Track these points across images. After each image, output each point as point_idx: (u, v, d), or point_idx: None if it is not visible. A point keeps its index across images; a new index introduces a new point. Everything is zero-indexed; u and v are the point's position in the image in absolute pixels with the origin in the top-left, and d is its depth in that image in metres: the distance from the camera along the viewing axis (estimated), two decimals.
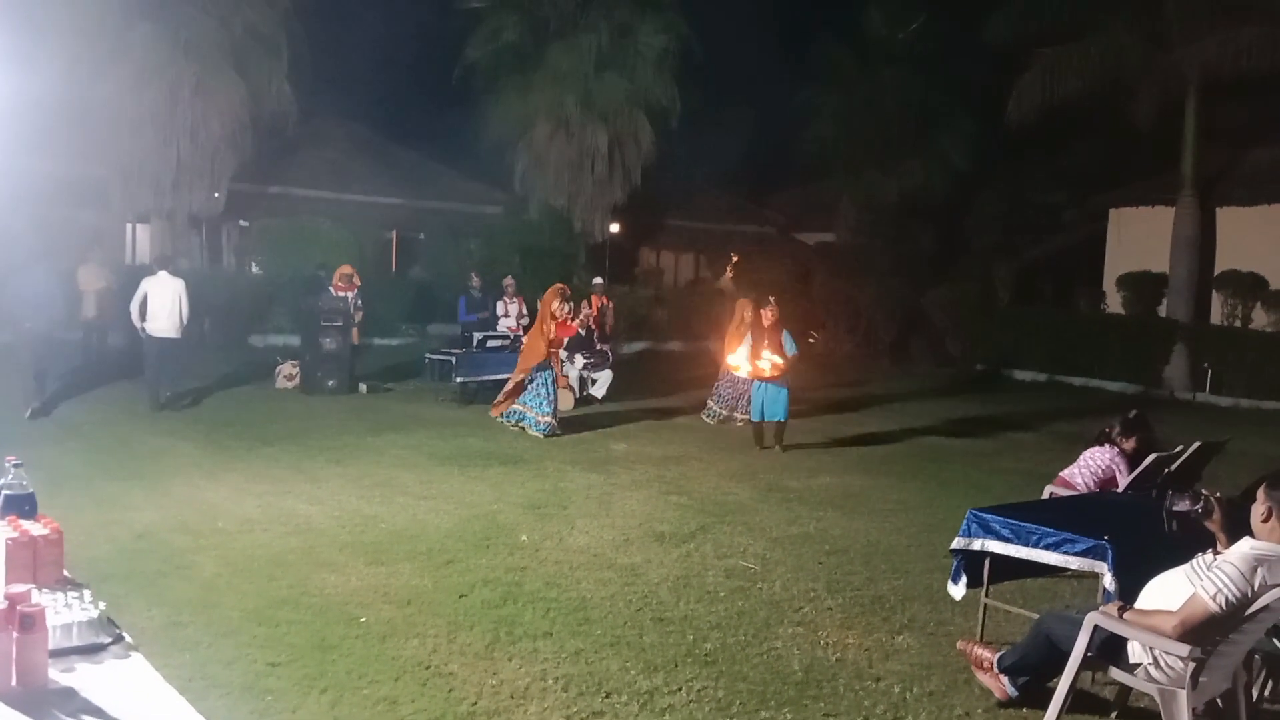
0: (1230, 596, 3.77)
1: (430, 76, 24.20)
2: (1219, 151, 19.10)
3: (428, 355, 14.81)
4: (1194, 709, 3.93)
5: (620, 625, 5.30)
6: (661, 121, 22.49)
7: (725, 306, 18.48)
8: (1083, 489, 6.63)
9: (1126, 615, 4.05)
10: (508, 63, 22.17)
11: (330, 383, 13.16)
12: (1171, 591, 4.02)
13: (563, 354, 13.27)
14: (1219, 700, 4.23)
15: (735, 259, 27.02)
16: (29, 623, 2.20)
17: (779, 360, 11.02)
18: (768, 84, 27.95)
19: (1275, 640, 4.34)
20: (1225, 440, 7.28)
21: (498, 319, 14.81)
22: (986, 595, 5.38)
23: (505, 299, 14.96)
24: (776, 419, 10.94)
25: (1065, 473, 6.91)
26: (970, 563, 5.31)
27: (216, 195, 19.13)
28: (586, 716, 4.24)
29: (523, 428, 10.98)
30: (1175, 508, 4.20)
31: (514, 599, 5.63)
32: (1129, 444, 6.66)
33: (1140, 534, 4.85)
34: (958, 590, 5.35)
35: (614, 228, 23.77)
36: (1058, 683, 4.16)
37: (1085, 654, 4.07)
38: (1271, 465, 5.61)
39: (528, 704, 4.31)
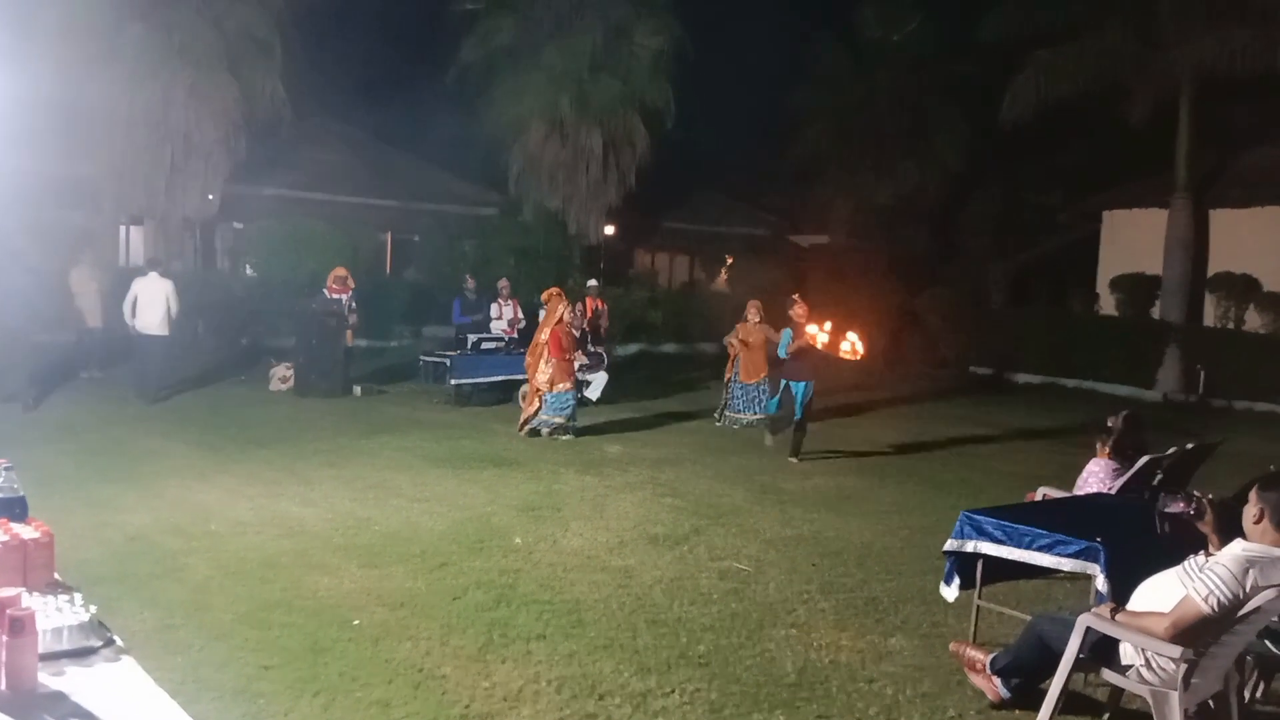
0: (1222, 598, 3.78)
1: (425, 78, 24.14)
2: (1212, 153, 19.15)
3: (422, 357, 14.82)
4: (1186, 710, 3.93)
5: (614, 627, 5.29)
6: (656, 123, 22.47)
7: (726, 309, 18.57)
8: None
9: (1119, 617, 4.06)
10: (502, 64, 22.14)
11: (324, 385, 13.13)
12: (1164, 593, 4.03)
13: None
14: (1211, 702, 4.23)
15: (730, 261, 27.03)
16: (19, 626, 2.20)
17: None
18: (762, 85, 27.91)
19: (1267, 642, 4.35)
20: (1218, 442, 7.30)
21: (492, 321, 14.78)
22: (979, 597, 5.39)
23: (500, 301, 14.94)
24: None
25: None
26: (963, 564, 5.32)
27: (210, 197, 19.08)
28: (580, 719, 4.23)
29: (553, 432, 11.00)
30: (1167, 509, 4.21)
31: (507, 601, 5.62)
32: (1124, 442, 6.67)
33: (1133, 536, 4.86)
34: (951, 592, 5.36)
35: (609, 229, 23.76)
36: (1050, 684, 4.16)
37: (1078, 656, 4.08)
38: (1264, 467, 5.63)
39: (521, 706, 4.31)
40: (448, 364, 13.35)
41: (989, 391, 18.19)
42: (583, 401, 13.37)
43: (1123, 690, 4.27)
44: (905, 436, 12.56)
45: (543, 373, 11.02)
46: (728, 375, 12.56)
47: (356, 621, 5.19)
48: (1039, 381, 19.13)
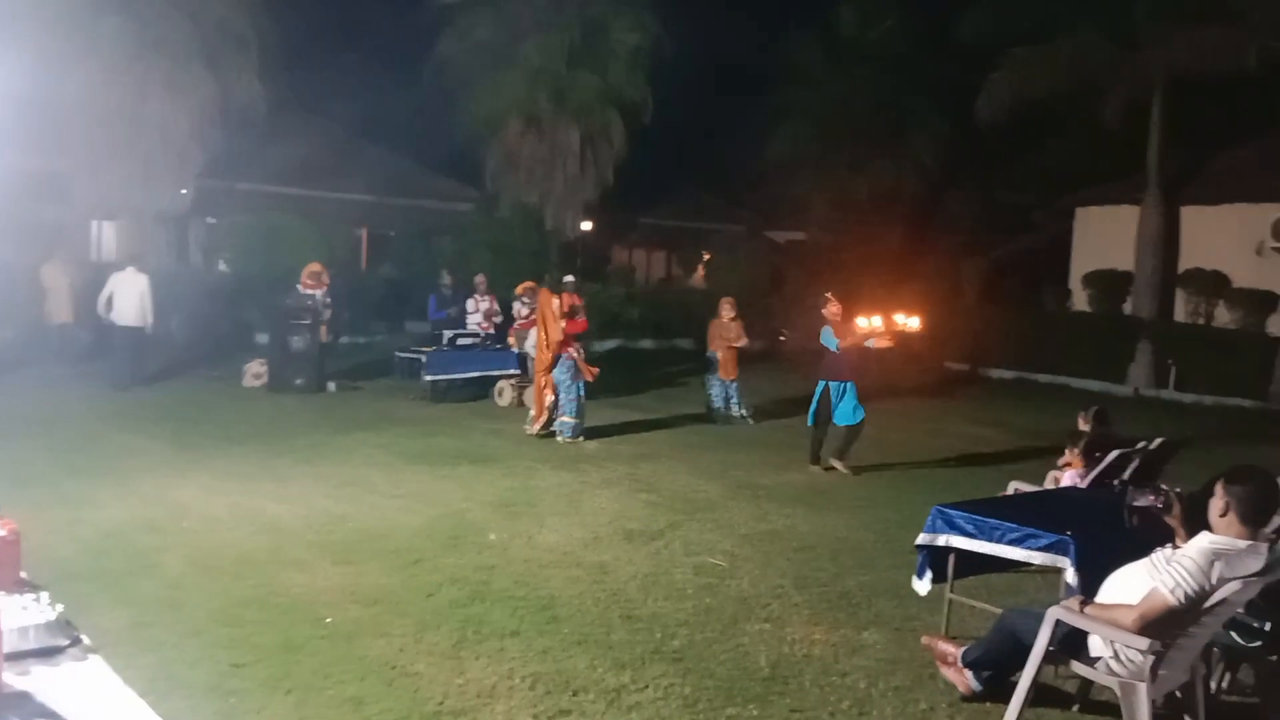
0: (1188, 590, 3.83)
1: (402, 73, 24.03)
2: (1183, 152, 19.35)
3: (397, 353, 14.75)
4: (1154, 701, 3.99)
5: (588, 623, 5.30)
6: (634, 119, 22.48)
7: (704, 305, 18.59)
8: None
9: (1087, 609, 4.11)
10: (480, 59, 22.07)
11: (298, 381, 13.06)
12: (1131, 586, 4.08)
13: (532, 350, 13.25)
14: (1178, 692, 4.29)
15: (707, 257, 27.08)
16: None
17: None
18: (740, 82, 27.98)
19: (1232, 633, 4.41)
20: (1188, 438, 7.39)
21: (468, 316, 14.74)
22: (951, 590, 5.44)
23: (476, 296, 14.89)
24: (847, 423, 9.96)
25: None
26: (935, 558, 5.37)
27: (184, 192, 18.93)
28: (553, 715, 4.24)
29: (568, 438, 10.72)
30: (1136, 503, 4.26)
31: (482, 598, 5.61)
32: (1094, 438, 6.74)
33: (1102, 529, 4.91)
34: (923, 586, 5.40)
35: (586, 225, 23.75)
36: (1020, 677, 4.20)
37: (1047, 648, 4.12)
38: (1231, 461, 5.70)
39: (494, 703, 4.31)
40: (423, 360, 13.30)
41: (963, 387, 18.31)
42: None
43: (1092, 682, 4.32)
44: (879, 432, 12.57)
45: (560, 369, 10.82)
46: (725, 376, 12.69)
47: (329, 619, 5.18)
48: (1012, 377, 19.28)
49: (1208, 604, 3.86)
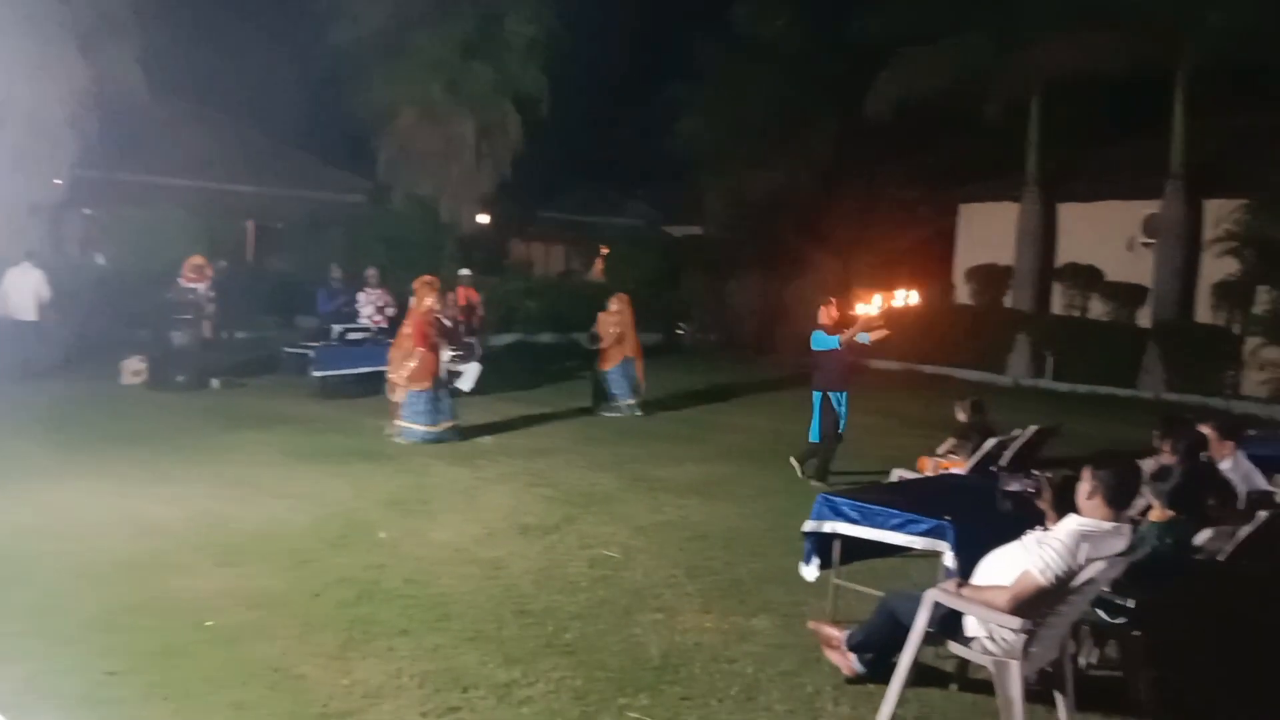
0: (1057, 570, 4.00)
1: (291, 61, 23.37)
2: (1061, 151, 20.17)
3: (285, 349, 14.37)
4: (1026, 678, 4.15)
5: (480, 619, 5.26)
6: (531, 112, 22.33)
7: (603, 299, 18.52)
8: None
9: (963, 591, 4.27)
10: (371, 48, 21.61)
11: (180, 378, 12.62)
12: (1005, 567, 4.25)
13: None
14: (1050, 668, 4.49)
15: (605, 251, 27.10)
16: None
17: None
18: (639, 77, 28.12)
19: (1099, 611, 4.63)
20: (1059, 425, 7.72)
21: (359, 311, 14.45)
22: (837, 576, 5.58)
23: (367, 290, 14.61)
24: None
25: None
26: (822, 545, 5.50)
27: (58, 181, 18.05)
28: (443, 712, 4.20)
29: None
30: (1009, 488, 4.45)
31: (370, 597, 5.52)
32: (972, 427, 7.00)
33: (979, 514, 5.10)
34: (810, 572, 5.52)
35: (483, 218, 23.51)
36: (901, 658, 4.33)
37: (926, 630, 4.26)
38: (1101, 447, 5.98)
39: (382, 703, 4.25)
40: (311, 356, 12.99)
41: (852, 378, 18.73)
42: (454, 392, 13.21)
43: (969, 661, 4.48)
44: (774, 423, 12.85)
45: (403, 368, 10.38)
46: (605, 366, 12.71)
47: (210, 622, 5.02)
48: (899, 368, 19.83)
49: (1075, 583, 4.04)
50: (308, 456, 9.21)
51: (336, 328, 13.98)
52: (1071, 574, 4.03)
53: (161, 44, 18.69)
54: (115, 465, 8.43)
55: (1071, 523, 4.15)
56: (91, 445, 9.20)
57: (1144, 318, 18.41)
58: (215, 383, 13.08)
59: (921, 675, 4.53)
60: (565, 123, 25.53)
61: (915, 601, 4.32)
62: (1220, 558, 4.74)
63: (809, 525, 5.47)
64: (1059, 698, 4.38)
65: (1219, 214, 15.87)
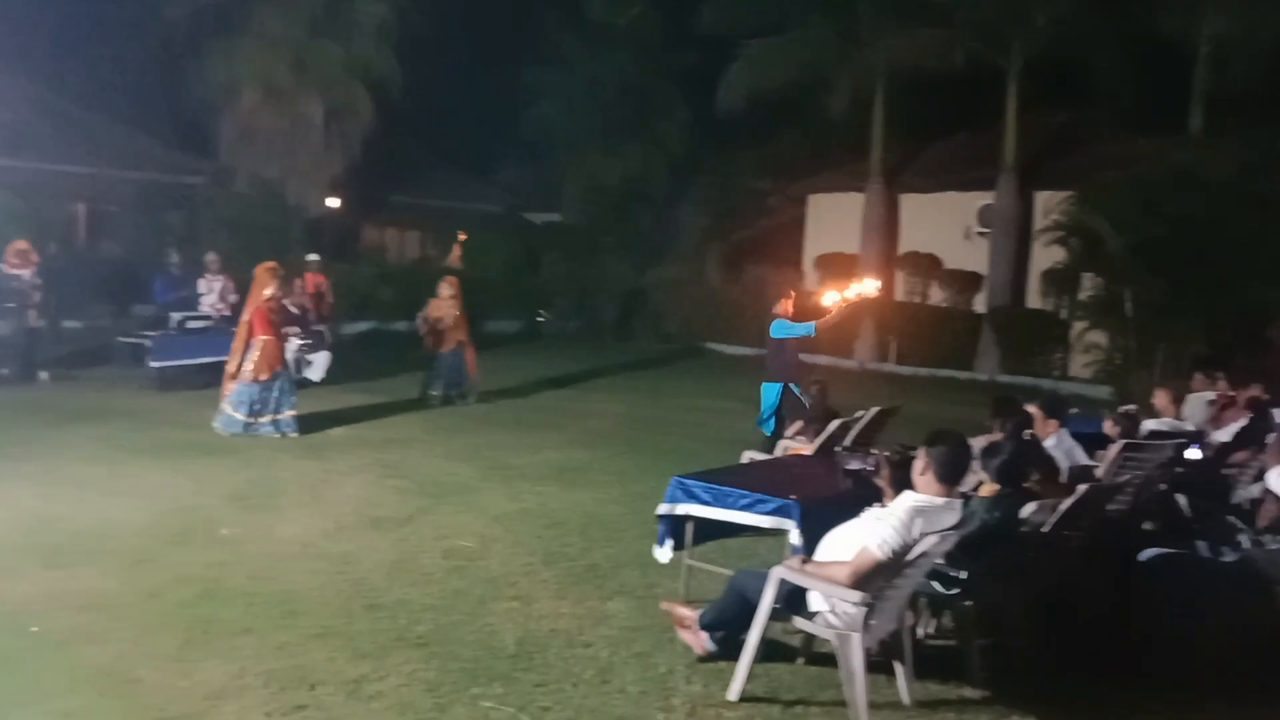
0: (894, 545, 4.19)
1: (125, 33, 22.03)
2: (903, 143, 20.98)
3: (120, 338, 13.62)
4: (867, 650, 4.34)
5: (329, 615, 5.14)
6: (382, 93, 21.75)
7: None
8: None
9: (807, 567, 4.42)
10: (211, 23, 20.61)
11: (3, 370, 11.82)
12: (845, 543, 4.42)
13: None
14: (889, 639, 4.69)
15: (463, 237, 26.71)
16: None
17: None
18: (495, 61, 27.70)
19: (934, 583, 4.86)
20: (898, 405, 8.06)
21: (200, 298, 13.82)
22: (690, 557, 5.69)
23: (208, 277, 13.98)
24: None
25: None
26: (675, 526, 5.60)
27: None
28: (288, 711, 4.08)
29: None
30: (849, 467, 4.62)
31: (212, 596, 5.31)
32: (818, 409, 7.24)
33: (823, 492, 5.29)
34: (663, 554, 5.62)
35: (333, 202, 22.79)
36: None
37: (773, 606, 4.39)
38: (938, 426, 6.27)
39: (224, 704, 4.10)
40: (148, 346, 12.35)
41: (709, 364, 19.13)
42: (303, 383, 12.81)
43: (814, 635, 4.64)
44: (633, 408, 12.99)
45: (245, 359, 9.87)
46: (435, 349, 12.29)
47: (35, 628, 4.73)
48: (753, 353, 20.25)
49: (911, 556, 4.24)
50: (145, 451, 8.77)
51: (175, 316, 13.32)
52: (907, 548, 4.22)
53: None
54: None
55: (907, 499, 4.35)
56: None
57: (980, 304, 19.37)
58: (44, 375, 12.31)
59: (770, 651, 4.67)
60: (420, 105, 24.98)
61: (762, 579, 4.45)
62: (1044, 529, 5.04)
63: (662, 508, 5.56)
64: (898, 667, 4.59)
65: (1047, 205, 16.80)
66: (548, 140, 25.11)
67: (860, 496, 4.81)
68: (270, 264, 10.35)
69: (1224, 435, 8.08)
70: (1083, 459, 6.41)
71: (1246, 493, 6.96)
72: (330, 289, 15.13)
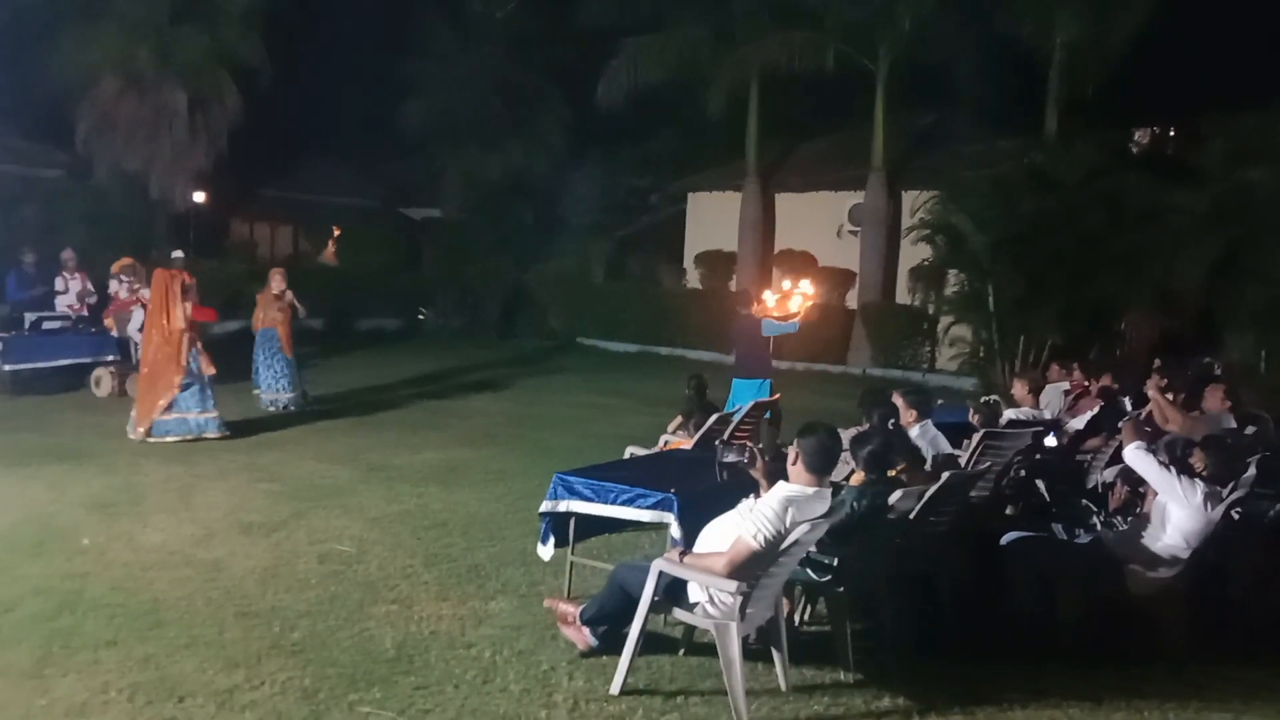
0: (767, 534, 4.30)
1: None
2: (778, 142, 21.44)
3: None
4: (745, 638, 4.44)
5: (198, 624, 4.97)
6: (250, 83, 21.00)
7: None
8: None
9: (685, 559, 4.49)
10: (66, 7, 19.54)
11: None
12: (722, 534, 4.51)
13: (137, 336, 12.11)
14: (766, 627, 4.81)
15: (338, 233, 26.09)
16: None
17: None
18: (371, 52, 27.05)
19: (809, 570, 5.01)
20: (775, 398, 8.26)
21: (56, 297, 13.14)
22: (573, 553, 5.71)
23: (65, 274, 13.30)
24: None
25: None
26: (558, 523, 5.61)
27: None
28: None
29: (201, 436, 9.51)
30: (725, 459, 4.71)
31: (72, 608, 5.08)
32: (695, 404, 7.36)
33: (702, 485, 5.38)
34: (546, 551, 5.63)
35: (198, 196, 21.92)
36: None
37: (653, 598, 4.45)
38: (812, 419, 6.45)
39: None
40: (0, 347, 11.69)
41: (592, 360, 19.17)
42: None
43: (694, 626, 4.72)
44: (516, 406, 12.93)
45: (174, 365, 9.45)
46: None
47: None
48: (636, 350, 20.45)
49: (784, 545, 4.35)
50: None
51: (29, 316, 12.64)
52: (781, 537, 4.33)
53: None
54: None
55: (780, 489, 4.47)
56: None
57: (852, 299, 19.93)
58: None
59: (651, 643, 4.73)
60: (293, 96, 24.25)
61: (642, 573, 4.51)
62: (911, 515, 5.25)
63: (545, 505, 5.57)
64: (776, 654, 4.71)
65: (914, 204, 17.39)
66: (426, 134, 24.71)
67: (737, 488, 4.90)
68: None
69: (1078, 423, 8.54)
70: (947, 448, 6.68)
71: (1100, 477, 7.39)
72: (195, 287, 14.52)
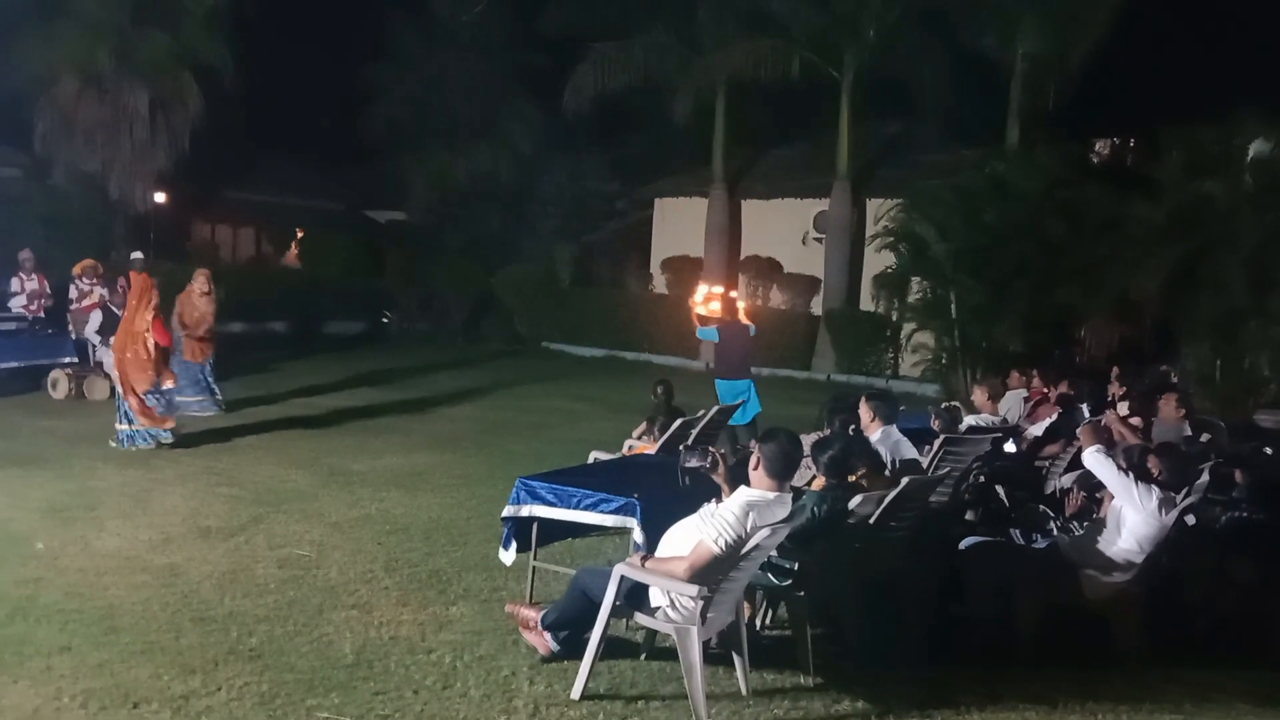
0: (728, 539, 4.31)
1: None
2: (744, 150, 21.56)
3: None
4: (706, 642, 4.45)
5: (154, 630, 4.90)
6: (212, 84, 20.79)
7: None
8: None
9: (647, 564, 4.50)
10: (26, 6, 19.24)
11: None
12: (683, 539, 4.52)
13: (95, 338, 11.94)
14: (727, 631, 4.82)
15: (301, 235, 25.87)
16: None
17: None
18: (335, 54, 26.88)
19: (769, 575, 5.03)
20: (739, 404, 8.29)
21: (11, 298, 12.92)
22: (535, 558, 5.69)
23: (21, 275, 13.09)
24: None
25: None
26: (521, 528, 5.59)
27: None
28: None
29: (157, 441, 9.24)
30: (687, 464, 4.71)
31: (24, 615, 4.99)
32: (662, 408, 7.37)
33: (664, 490, 5.38)
34: (508, 556, 5.60)
35: (159, 197, 21.65)
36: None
37: (614, 603, 4.45)
38: (773, 424, 6.48)
39: None
40: None
41: (558, 365, 19.14)
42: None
43: (656, 631, 4.72)
44: (479, 411, 12.87)
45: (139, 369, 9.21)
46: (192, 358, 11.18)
47: None
48: (603, 355, 20.47)
49: (745, 550, 4.37)
50: None
51: None
52: (741, 541, 4.35)
53: None
54: None
55: (741, 494, 4.48)
56: None
57: (817, 306, 20.07)
58: None
59: (613, 648, 4.73)
60: (256, 98, 24.03)
61: (604, 577, 4.51)
62: (871, 520, 5.29)
63: (507, 510, 5.54)
64: (736, 658, 4.72)
65: (878, 212, 17.54)
66: (391, 137, 24.59)
67: (700, 493, 4.92)
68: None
69: (1037, 430, 8.65)
70: (909, 453, 6.73)
71: (1057, 483, 7.49)
72: (156, 289, 14.33)
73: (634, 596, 4.52)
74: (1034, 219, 14.88)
